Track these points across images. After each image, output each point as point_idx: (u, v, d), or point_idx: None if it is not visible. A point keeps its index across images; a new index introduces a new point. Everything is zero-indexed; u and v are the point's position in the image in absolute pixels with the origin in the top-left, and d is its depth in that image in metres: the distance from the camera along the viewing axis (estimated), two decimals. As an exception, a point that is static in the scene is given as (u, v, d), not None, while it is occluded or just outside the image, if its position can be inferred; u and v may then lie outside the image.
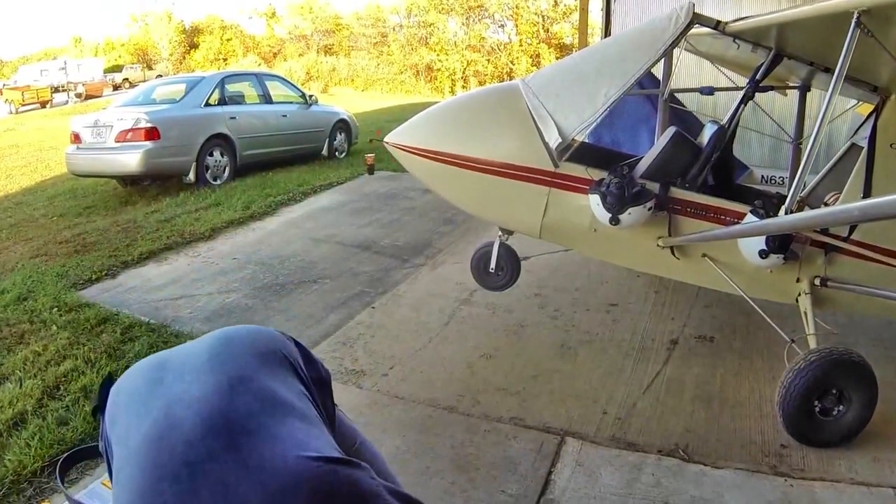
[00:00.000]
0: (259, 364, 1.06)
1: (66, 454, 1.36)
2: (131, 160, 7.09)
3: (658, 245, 2.93)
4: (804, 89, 4.14)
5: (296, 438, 0.92)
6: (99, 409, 1.12)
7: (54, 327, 3.66)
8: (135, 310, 3.93)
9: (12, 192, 8.75)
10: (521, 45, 25.38)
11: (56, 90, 25.60)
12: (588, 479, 2.32)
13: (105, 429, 1.06)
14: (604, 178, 2.82)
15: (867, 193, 2.74)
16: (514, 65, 24.31)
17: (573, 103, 2.90)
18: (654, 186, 2.85)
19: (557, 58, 18.35)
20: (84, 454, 1.40)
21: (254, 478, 0.85)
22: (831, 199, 3.31)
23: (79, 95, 25.83)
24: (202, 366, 1.04)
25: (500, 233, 3.43)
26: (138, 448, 0.92)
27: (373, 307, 3.95)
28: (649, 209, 2.81)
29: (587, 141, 3.81)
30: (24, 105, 23.00)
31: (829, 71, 3.07)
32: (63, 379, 3.07)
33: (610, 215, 2.78)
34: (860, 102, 3.87)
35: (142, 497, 0.86)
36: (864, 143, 2.88)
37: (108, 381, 1.13)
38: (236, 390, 0.98)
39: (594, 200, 2.82)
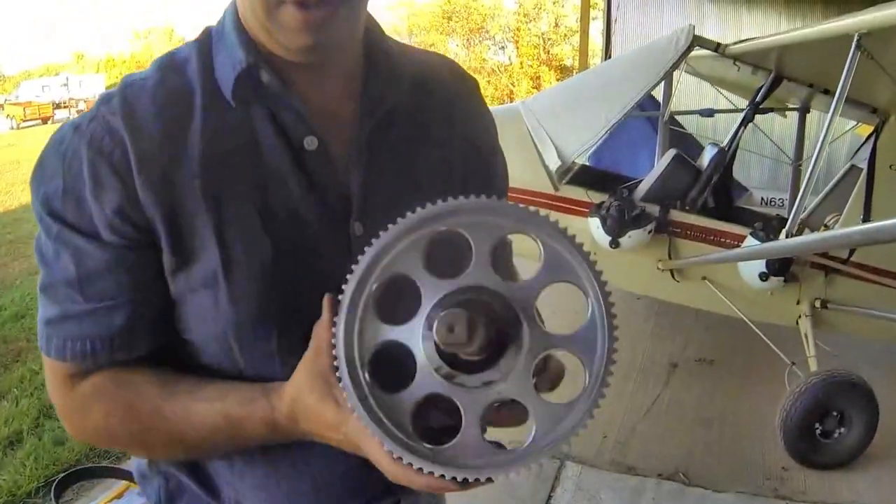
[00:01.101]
0: None
1: (62, 475, 1.35)
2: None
3: (658, 268, 2.93)
4: (804, 111, 4.17)
5: None
6: None
7: (52, 345, 3.64)
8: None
9: (12, 207, 8.73)
10: (521, 67, 25.55)
11: (58, 106, 25.66)
12: (588, 504, 2.30)
13: None
14: (604, 201, 2.83)
15: (867, 215, 2.75)
16: (514, 87, 24.46)
17: (573, 126, 2.91)
18: (654, 209, 2.86)
19: (558, 79, 18.47)
20: (80, 475, 1.39)
21: None
22: (831, 221, 3.31)
23: (80, 112, 25.88)
24: None
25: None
26: None
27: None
28: (649, 232, 2.81)
29: (587, 163, 3.83)
30: (25, 121, 23.05)
31: (828, 93, 3.09)
32: (59, 397, 3.05)
33: (610, 238, 2.78)
34: (859, 123, 3.90)
35: None
36: (864, 165, 2.89)
37: None
38: None
39: (594, 224, 2.82)
